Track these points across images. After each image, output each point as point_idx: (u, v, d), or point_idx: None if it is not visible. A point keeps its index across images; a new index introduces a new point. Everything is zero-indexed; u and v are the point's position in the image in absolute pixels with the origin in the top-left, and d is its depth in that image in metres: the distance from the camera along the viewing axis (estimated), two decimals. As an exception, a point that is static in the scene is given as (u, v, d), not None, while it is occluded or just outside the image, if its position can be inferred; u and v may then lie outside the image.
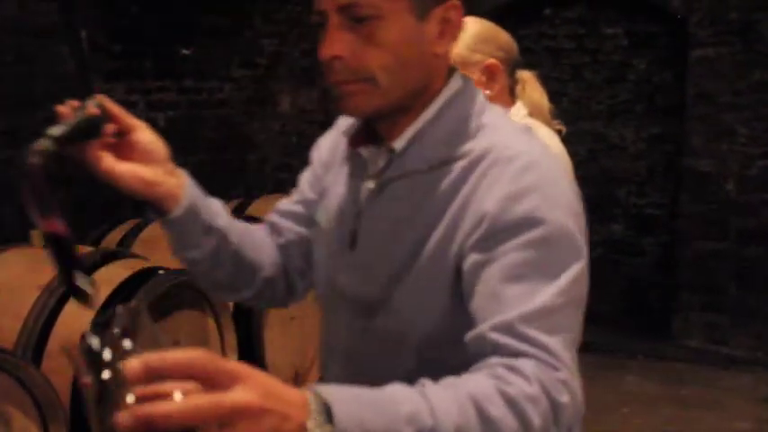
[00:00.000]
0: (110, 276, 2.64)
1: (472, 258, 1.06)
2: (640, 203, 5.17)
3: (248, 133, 5.27)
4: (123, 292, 2.57)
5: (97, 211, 4.08)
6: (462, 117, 1.14)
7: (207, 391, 0.69)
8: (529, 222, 1.03)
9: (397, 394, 0.88)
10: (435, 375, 0.95)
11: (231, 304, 3.10)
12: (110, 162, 1.08)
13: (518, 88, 2.11)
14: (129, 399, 0.68)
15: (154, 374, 0.68)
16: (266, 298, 1.37)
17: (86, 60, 4.11)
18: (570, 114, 4.55)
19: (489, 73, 1.96)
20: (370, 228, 1.18)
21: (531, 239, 1.02)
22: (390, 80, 1.09)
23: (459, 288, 1.08)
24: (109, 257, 2.77)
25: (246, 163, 5.29)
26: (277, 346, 3.39)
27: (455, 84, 1.17)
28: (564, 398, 0.95)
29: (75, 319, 2.50)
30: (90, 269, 2.66)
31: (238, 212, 4.13)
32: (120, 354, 0.71)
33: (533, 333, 0.97)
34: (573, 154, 1.93)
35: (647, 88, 5.02)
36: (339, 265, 1.23)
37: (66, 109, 1.05)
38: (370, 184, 1.18)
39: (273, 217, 1.38)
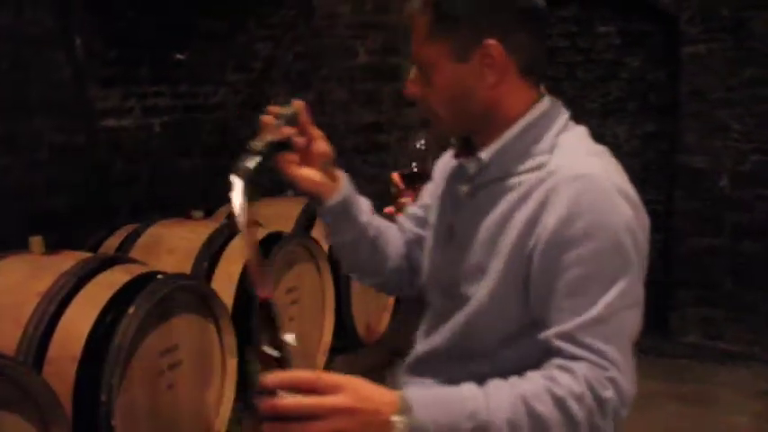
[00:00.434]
0: (109, 281, 2.65)
1: (537, 267, 1.27)
2: (635, 201, 5.18)
3: (244, 137, 5.27)
4: (123, 296, 2.58)
5: (94, 217, 4.09)
6: (540, 135, 1.36)
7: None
8: (586, 239, 1.22)
9: (464, 393, 1.17)
10: (500, 365, 1.28)
11: (230, 308, 3.12)
12: (294, 168, 1.43)
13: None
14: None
15: (289, 386, 1.05)
16: (392, 285, 1.69)
17: (82, 67, 4.10)
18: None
19: None
20: (462, 225, 1.42)
21: (587, 255, 1.22)
22: (447, 112, 1.37)
23: (526, 288, 1.29)
24: (108, 263, 2.78)
25: (242, 167, 5.30)
26: (276, 348, 3.39)
27: (542, 106, 1.38)
28: (607, 393, 1.18)
29: (75, 325, 2.52)
30: (89, 274, 2.67)
31: (233, 216, 4.14)
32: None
33: (589, 340, 1.20)
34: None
35: (640, 86, 5.04)
36: (438, 257, 1.49)
37: (269, 119, 1.39)
38: (465, 188, 1.44)
39: (401, 218, 1.71)
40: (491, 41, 1.29)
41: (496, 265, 1.31)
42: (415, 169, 2.02)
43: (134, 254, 3.31)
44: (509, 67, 1.33)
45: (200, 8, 4.60)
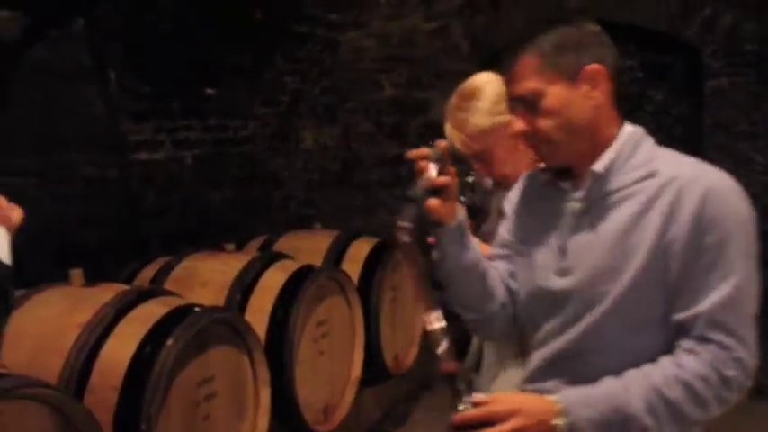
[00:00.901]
0: (148, 313, 2.70)
1: (676, 257, 1.44)
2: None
3: (272, 170, 5.36)
4: (161, 327, 2.63)
5: (126, 249, 4.16)
6: (641, 149, 1.54)
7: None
8: (718, 228, 1.42)
9: (608, 389, 1.44)
10: (628, 356, 1.47)
11: (263, 340, 3.16)
12: (438, 204, 1.58)
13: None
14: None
15: (476, 420, 1.42)
16: (494, 323, 1.76)
17: (115, 101, 4.20)
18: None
19: None
20: (578, 238, 1.55)
21: (719, 242, 1.42)
22: (559, 135, 1.52)
23: (664, 279, 1.45)
24: (146, 295, 2.83)
25: (271, 199, 5.37)
26: (307, 380, 3.43)
27: (630, 126, 1.57)
28: (731, 372, 1.41)
29: (115, 355, 2.56)
30: (128, 306, 2.72)
31: (266, 249, 4.20)
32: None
33: (721, 319, 1.41)
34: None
35: (664, 119, 5.08)
36: (550, 273, 1.60)
37: (424, 164, 1.54)
38: (577, 205, 1.57)
39: (494, 263, 1.76)
40: (594, 65, 1.50)
41: (634, 264, 1.46)
42: (462, 201, 2.03)
43: (168, 286, 3.36)
44: (607, 89, 1.52)
45: (229, 44, 4.71)
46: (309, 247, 4.14)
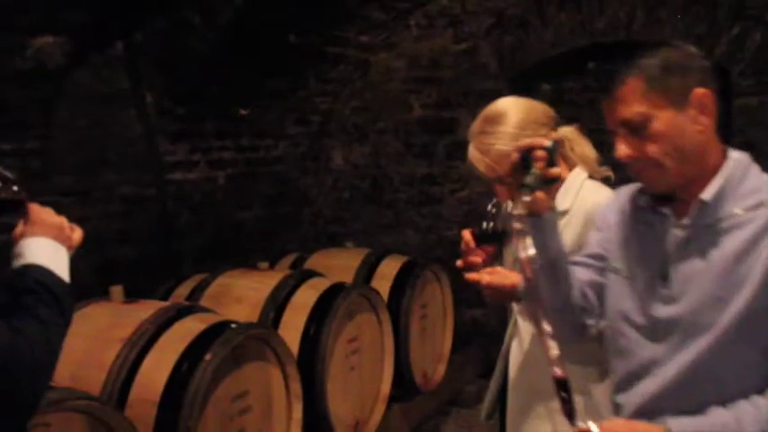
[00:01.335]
0: (186, 329, 2.80)
1: None
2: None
3: (303, 188, 5.46)
4: (199, 343, 2.72)
5: (160, 266, 4.27)
6: (756, 173, 1.55)
7: None
8: None
9: (721, 419, 1.44)
10: (740, 383, 1.47)
11: (295, 354, 3.24)
12: (544, 196, 1.65)
13: (566, 149, 2.21)
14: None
15: None
16: (572, 322, 1.76)
17: (153, 123, 4.32)
18: (617, 162, 4.59)
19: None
20: (684, 267, 1.54)
21: None
22: (673, 161, 1.50)
23: None
24: (184, 312, 2.93)
25: (301, 217, 5.47)
26: (338, 395, 3.50)
27: (735, 153, 1.57)
28: None
29: (155, 370, 2.66)
30: (167, 322, 2.82)
31: (297, 266, 4.29)
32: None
33: None
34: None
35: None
36: (652, 299, 1.59)
37: (542, 153, 1.59)
38: (680, 232, 1.56)
39: (571, 267, 1.78)
40: (702, 89, 1.50)
41: (743, 295, 1.45)
42: (486, 227, 2.07)
43: (203, 302, 3.46)
44: (713, 114, 1.52)
45: (262, 66, 4.81)
46: (340, 264, 4.23)
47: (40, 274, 1.49)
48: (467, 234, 2.08)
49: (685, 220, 1.56)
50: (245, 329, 2.87)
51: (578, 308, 1.75)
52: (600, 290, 1.75)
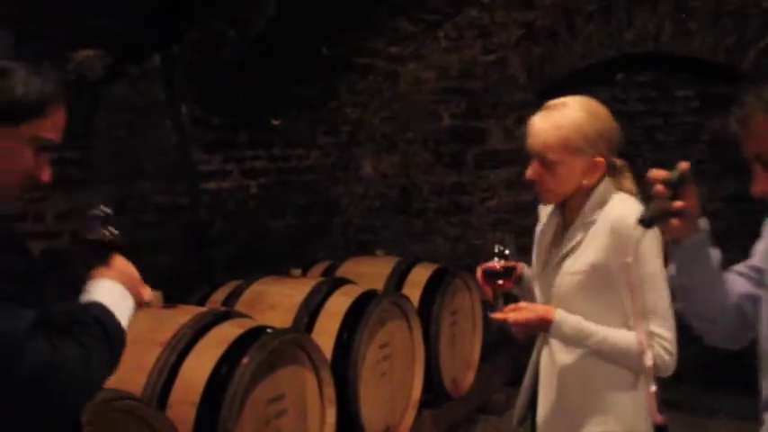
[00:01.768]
0: (224, 334, 2.87)
1: None
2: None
3: (333, 197, 5.54)
4: (237, 347, 2.79)
5: (194, 273, 4.35)
6: None
7: None
8: None
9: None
10: None
11: (329, 359, 3.30)
12: (678, 225, 1.61)
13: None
14: None
15: None
16: (721, 332, 1.81)
17: (187, 133, 4.41)
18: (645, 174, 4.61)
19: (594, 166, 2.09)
20: None
21: None
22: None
23: None
24: (221, 317, 3.00)
25: (331, 226, 5.54)
26: (370, 400, 3.55)
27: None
28: None
29: (194, 373, 2.73)
30: (205, 327, 2.89)
31: (329, 274, 4.35)
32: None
33: None
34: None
35: (720, 148, 5.11)
36: None
37: (662, 189, 1.58)
38: None
39: (728, 273, 1.79)
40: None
41: None
42: (497, 265, 2.11)
43: (238, 308, 3.53)
44: None
45: (293, 77, 4.90)
46: (371, 272, 4.29)
47: (99, 312, 1.49)
48: (478, 272, 2.15)
49: None
50: (281, 334, 2.93)
51: (732, 319, 1.76)
52: (756, 302, 1.74)
